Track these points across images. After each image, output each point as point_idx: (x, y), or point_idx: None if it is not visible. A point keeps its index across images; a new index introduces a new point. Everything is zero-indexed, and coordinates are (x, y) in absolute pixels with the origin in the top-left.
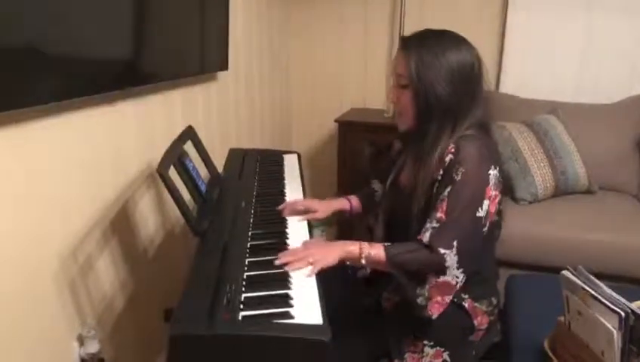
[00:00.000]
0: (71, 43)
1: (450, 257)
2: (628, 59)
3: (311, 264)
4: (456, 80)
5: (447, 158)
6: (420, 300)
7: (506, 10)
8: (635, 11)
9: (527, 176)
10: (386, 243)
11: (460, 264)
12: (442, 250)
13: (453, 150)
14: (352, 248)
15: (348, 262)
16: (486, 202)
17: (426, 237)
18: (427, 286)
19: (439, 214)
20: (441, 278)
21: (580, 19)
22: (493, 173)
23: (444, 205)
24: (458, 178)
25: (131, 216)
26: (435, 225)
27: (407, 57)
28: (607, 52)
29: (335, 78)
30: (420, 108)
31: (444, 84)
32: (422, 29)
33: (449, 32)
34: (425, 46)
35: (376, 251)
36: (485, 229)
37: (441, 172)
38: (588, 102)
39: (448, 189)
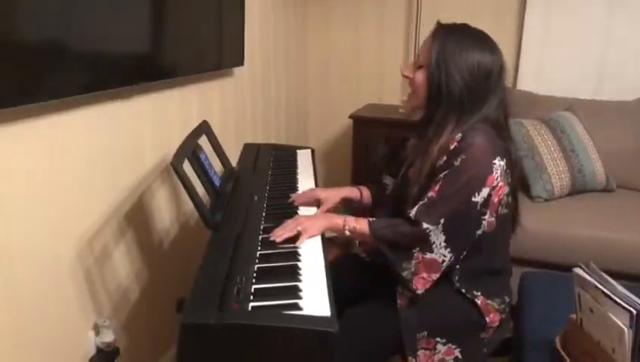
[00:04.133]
0: (89, 39)
1: (436, 234)
2: None
3: (299, 233)
4: (472, 79)
5: (452, 146)
6: (405, 274)
7: (524, 7)
8: None
9: (544, 173)
10: (370, 218)
11: (448, 243)
12: (425, 225)
13: (458, 139)
14: (337, 220)
15: (331, 234)
16: (485, 190)
17: (412, 212)
18: (414, 262)
19: (430, 193)
20: (428, 255)
21: (599, 15)
22: (498, 163)
23: (437, 186)
24: (457, 163)
25: (147, 208)
26: (424, 201)
27: (433, 41)
28: (626, 48)
29: (351, 74)
30: (431, 92)
31: (458, 78)
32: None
33: (483, 32)
34: (452, 37)
35: (361, 225)
36: (486, 217)
37: (444, 158)
38: (606, 99)
39: (445, 172)
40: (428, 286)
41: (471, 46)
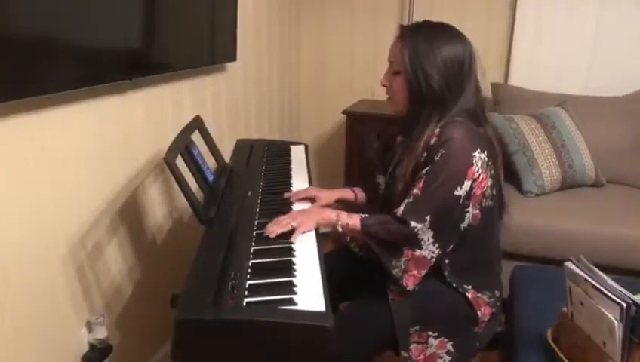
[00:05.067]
0: (82, 33)
1: (424, 231)
2: (638, 52)
3: (294, 228)
4: (448, 72)
5: (432, 141)
6: (395, 272)
7: (516, 3)
8: None
9: (535, 168)
10: (363, 215)
11: (436, 239)
12: (413, 223)
13: (437, 133)
14: (330, 215)
15: (325, 229)
16: (467, 183)
17: (400, 211)
18: (403, 259)
19: (415, 190)
20: (417, 252)
21: (590, 10)
22: (478, 155)
23: (421, 183)
24: (437, 158)
25: (140, 203)
26: (410, 200)
27: (402, 46)
28: (618, 44)
29: (345, 70)
30: (412, 95)
31: (436, 75)
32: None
33: (446, 24)
34: (420, 36)
35: (353, 221)
36: (469, 210)
37: (425, 154)
38: (597, 95)
39: (427, 168)
40: (417, 282)
41: (440, 40)
